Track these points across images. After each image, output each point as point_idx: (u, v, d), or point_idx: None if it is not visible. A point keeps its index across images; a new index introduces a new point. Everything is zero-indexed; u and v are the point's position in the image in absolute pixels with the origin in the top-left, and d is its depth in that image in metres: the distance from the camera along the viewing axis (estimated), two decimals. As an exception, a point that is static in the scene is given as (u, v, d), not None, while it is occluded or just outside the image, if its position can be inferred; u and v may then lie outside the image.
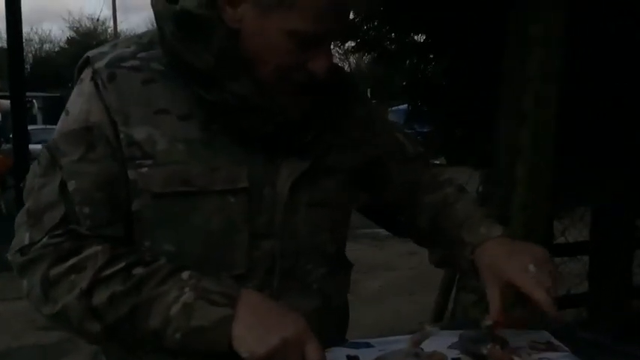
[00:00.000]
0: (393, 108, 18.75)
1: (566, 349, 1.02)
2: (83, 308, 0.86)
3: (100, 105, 0.91)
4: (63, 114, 0.95)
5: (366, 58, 4.37)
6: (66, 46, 31.26)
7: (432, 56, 3.65)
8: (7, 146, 12.82)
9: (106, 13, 54.20)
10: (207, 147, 0.92)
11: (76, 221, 0.89)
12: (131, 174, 0.91)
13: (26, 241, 0.90)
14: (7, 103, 7.85)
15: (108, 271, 0.86)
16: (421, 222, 1.15)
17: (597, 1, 2.39)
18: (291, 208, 0.97)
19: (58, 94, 22.07)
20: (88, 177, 0.90)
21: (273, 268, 0.97)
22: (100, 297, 0.85)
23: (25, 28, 8.24)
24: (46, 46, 32.10)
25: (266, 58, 0.90)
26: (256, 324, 0.83)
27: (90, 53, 0.96)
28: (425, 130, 5.23)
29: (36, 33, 31.81)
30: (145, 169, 0.90)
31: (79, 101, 0.93)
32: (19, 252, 0.90)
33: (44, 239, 0.89)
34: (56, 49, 31.75)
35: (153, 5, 0.94)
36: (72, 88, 0.98)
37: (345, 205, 1.06)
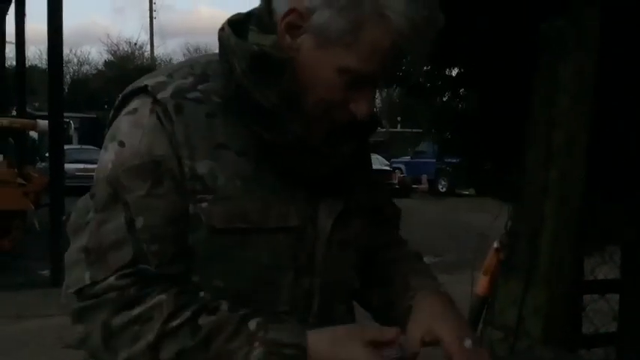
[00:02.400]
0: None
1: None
2: None
3: (165, 138, 0.89)
4: (115, 145, 0.91)
5: (398, 89, 4.41)
6: (103, 68, 31.94)
7: (463, 89, 3.67)
8: (42, 165, 13.11)
9: (144, 37, 55.45)
10: (260, 184, 0.92)
11: (144, 260, 0.87)
12: (191, 208, 0.90)
13: (87, 281, 0.86)
14: (45, 123, 8.04)
15: (175, 323, 0.84)
16: (370, 279, 1.13)
17: (631, 40, 2.40)
18: (329, 246, 0.98)
19: (94, 116, 22.56)
20: (156, 213, 0.88)
21: (311, 305, 0.98)
22: (168, 352, 0.83)
23: (65, 50, 8.46)
24: (84, 68, 32.87)
25: (313, 91, 0.91)
26: None
27: (148, 82, 0.93)
28: (454, 160, 5.23)
29: (75, 54, 32.53)
30: (205, 204, 0.89)
31: (137, 133, 0.90)
32: (78, 293, 0.87)
33: (110, 279, 0.86)
34: (93, 72, 32.46)
35: (223, 39, 0.94)
36: (109, 111, 0.96)
37: (366, 242, 1.08)
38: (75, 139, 19.96)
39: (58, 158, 7.42)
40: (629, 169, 2.63)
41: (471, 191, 12.51)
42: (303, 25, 0.88)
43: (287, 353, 0.84)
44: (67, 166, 8.67)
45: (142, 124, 0.91)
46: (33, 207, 7.96)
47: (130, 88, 0.96)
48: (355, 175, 1.04)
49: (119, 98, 0.96)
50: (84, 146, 17.74)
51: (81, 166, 15.15)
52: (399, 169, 19.91)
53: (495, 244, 2.98)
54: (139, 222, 0.87)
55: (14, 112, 12.43)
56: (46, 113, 8.13)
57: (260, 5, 0.97)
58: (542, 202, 2.24)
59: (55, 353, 4.38)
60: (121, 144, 0.91)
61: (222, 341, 0.84)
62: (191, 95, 0.92)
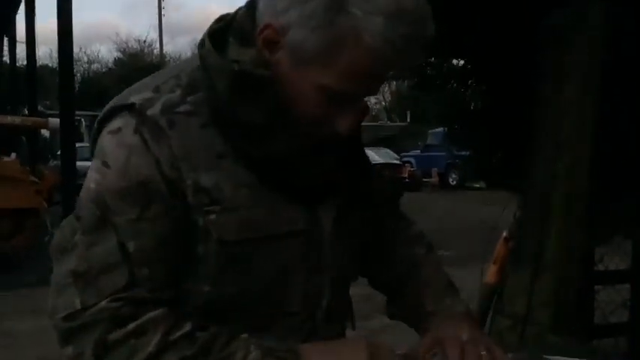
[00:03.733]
0: (432, 131, 18.75)
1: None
2: None
3: (151, 158, 0.86)
4: (99, 165, 0.88)
5: (406, 82, 4.42)
6: (113, 66, 32.09)
7: (471, 81, 3.68)
8: (54, 163, 13.22)
9: (153, 35, 55.60)
10: (263, 191, 0.91)
11: (138, 284, 0.85)
12: (200, 221, 0.88)
13: (78, 306, 0.83)
14: (56, 121, 8.11)
15: (175, 335, 0.83)
16: (387, 277, 1.14)
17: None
18: (333, 242, 0.98)
19: (105, 114, 22.61)
20: (147, 237, 0.85)
21: (320, 303, 0.99)
22: None
23: (75, 49, 8.54)
24: (94, 66, 33.03)
25: (295, 106, 0.88)
26: None
27: (134, 99, 0.89)
28: (463, 153, 5.23)
29: (85, 53, 32.65)
30: (213, 216, 0.88)
31: (122, 154, 0.87)
32: (67, 318, 0.83)
33: (102, 303, 0.83)
34: (103, 70, 32.61)
35: (203, 57, 0.91)
36: (97, 130, 0.90)
37: (362, 237, 1.08)
38: (86, 136, 20.06)
39: (69, 156, 7.48)
40: (631, 165, 2.63)
41: (482, 184, 12.47)
42: (280, 40, 0.85)
43: (282, 356, 0.85)
44: (79, 163, 8.71)
45: (125, 144, 0.87)
46: (46, 205, 8.02)
47: (115, 102, 0.92)
48: (348, 167, 1.02)
49: (104, 111, 0.93)
50: (95, 144, 17.78)
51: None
52: (409, 162, 19.88)
53: (504, 234, 3.00)
54: (131, 246, 0.85)
55: (26, 111, 12.54)
56: (57, 112, 8.20)
57: (242, 11, 0.92)
58: (550, 191, 2.24)
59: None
60: (105, 164, 0.88)
61: (220, 347, 0.84)
62: (181, 109, 0.88)
